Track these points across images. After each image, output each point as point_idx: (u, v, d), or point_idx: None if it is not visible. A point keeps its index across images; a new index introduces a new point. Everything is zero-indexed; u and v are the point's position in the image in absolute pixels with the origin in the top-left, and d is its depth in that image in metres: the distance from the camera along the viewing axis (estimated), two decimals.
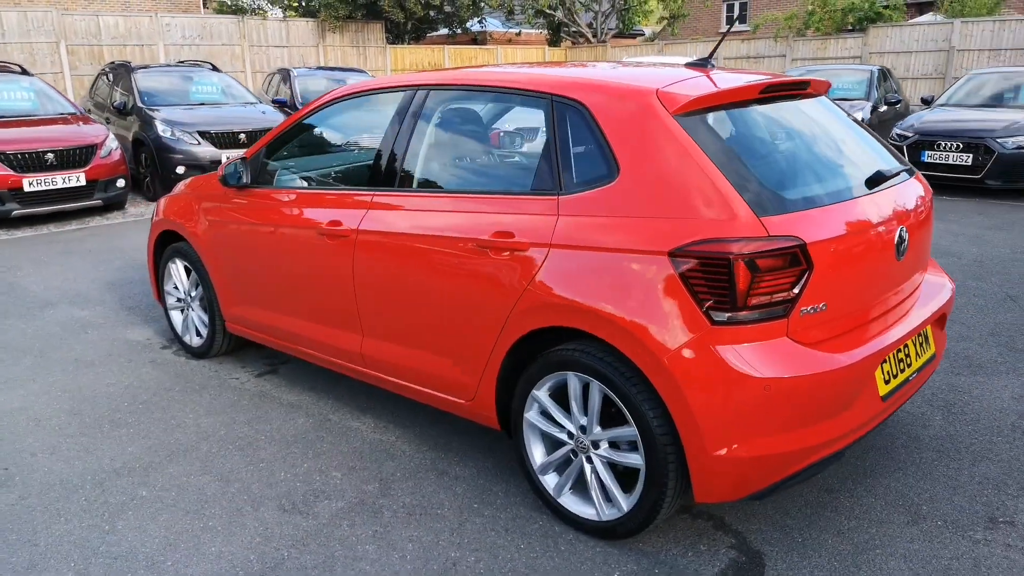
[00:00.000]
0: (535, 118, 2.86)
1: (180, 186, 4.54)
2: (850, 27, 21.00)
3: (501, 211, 2.76)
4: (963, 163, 9.07)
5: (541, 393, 2.71)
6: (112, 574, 2.54)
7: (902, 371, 2.68)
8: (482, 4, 23.79)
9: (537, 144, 2.87)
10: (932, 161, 9.28)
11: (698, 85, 2.61)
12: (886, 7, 20.60)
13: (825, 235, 2.37)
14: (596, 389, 2.53)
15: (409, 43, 23.75)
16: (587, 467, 2.65)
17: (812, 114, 2.91)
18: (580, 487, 2.73)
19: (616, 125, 2.55)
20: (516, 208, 2.72)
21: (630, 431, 2.47)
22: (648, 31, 32.68)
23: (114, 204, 8.92)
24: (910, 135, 9.61)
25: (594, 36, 26.74)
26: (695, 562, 2.54)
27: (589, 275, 2.47)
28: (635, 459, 2.49)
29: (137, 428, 3.59)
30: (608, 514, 2.61)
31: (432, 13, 23.09)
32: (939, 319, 2.95)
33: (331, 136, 4.02)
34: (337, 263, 3.31)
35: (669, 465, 2.41)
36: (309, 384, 4.07)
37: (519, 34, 28.57)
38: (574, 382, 2.60)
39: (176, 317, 4.59)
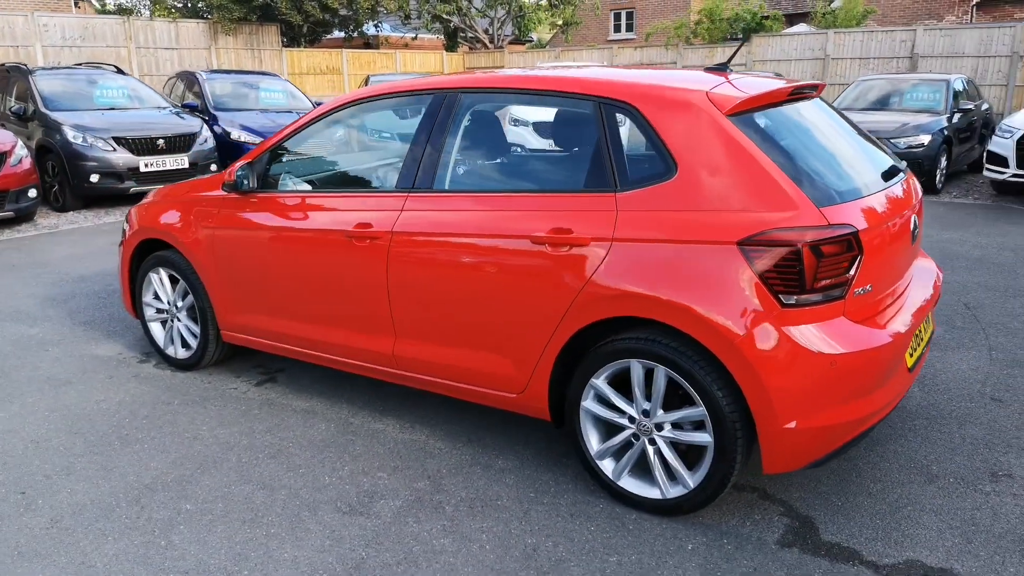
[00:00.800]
0: (580, 119, 2.98)
1: (154, 194, 4.38)
2: (735, 36, 22.23)
3: (555, 208, 2.86)
4: None
5: (599, 381, 2.84)
6: None
7: (918, 346, 2.98)
8: (380, 8, 23.57)
9: (583, 144, 2.99)
10: None
11: (741, 88, 2.81)
12: (766, 18, 21.93)
13: (868, 223, 2.61)
14: (661, 374, 2.68)
15: (304, 46, 23.22)
16: (650, 449, 2.80)
17: (822, 114, 3.18)
18: (639, 469, 2.87)
19: (670, 126, 2.72)
20: (571, 205, 2.84)
21: (698, 411, 2.63)
22: (535, 38, 33.28)
23: (24, 216, 8.34)
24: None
25: (491, 42, 27.03)
26: (756, 531, 2.74)
27: (656, 266, 2.62)
28: (702, 437, 2.65)
29: (151, 443, 3.45)
30: (673, 492, 2.77)
31: (328, 16, 22.69)
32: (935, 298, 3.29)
33: (346, 139, 3.99)
34: (367, 265, 3.31)
35: (738, 441, 2.59)
36: (316, 390, 4.02)
37: (415, 38, 28.49)
38: (638, 369, 2.74)
39: (156, 329, 4.41)
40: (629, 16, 33.41)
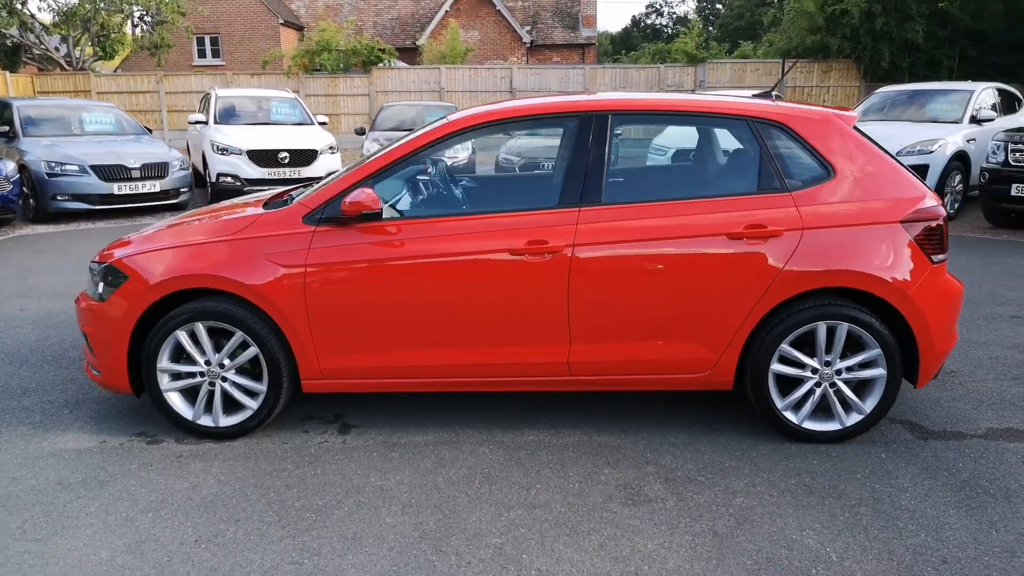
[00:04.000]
0: (736, 136, 3.60)
1: (167, 235, 3.67)
2: (353, 66, 23.18)
3: (740, 209, 3.45)
4: None
5: (786, 345, 3.51)
6: None
7: None
8: None
9: (741, 155, 3.59)
10: None
11: (847, 111, 3.73)
12: (382, 51, 23.34)
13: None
14: (844, 329, 3.47)
15: None
16: (830, 391, 3.56)
17: None
18: (817, 411, 3.60)
19: (820, 139, 3.53)
20: (755, 205, 3.45)
21: (874, 353, 3.48)
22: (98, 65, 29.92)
23: None
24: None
25: (70, 64, 23.67)
26: (892, 433, 3.69)
27: (840, 245, 3.40)
28: (877, 372, 3.51)
29: (337, 521, 3.07)
30: (850, 421, 3.57)
31: None
32: None
33: (477, 161, 3.84)
34: (545, 279, 3.43)
35: (900, 369, 3.51)
36: (397, 422, 3.84)
37: None
38: (822, 329, 3.48)
39: (177, 400, 3.67)
40: (214, 42, 32.08)
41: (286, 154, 11.35)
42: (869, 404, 3.55)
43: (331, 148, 11.88)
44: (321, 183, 4.10)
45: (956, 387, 4.26)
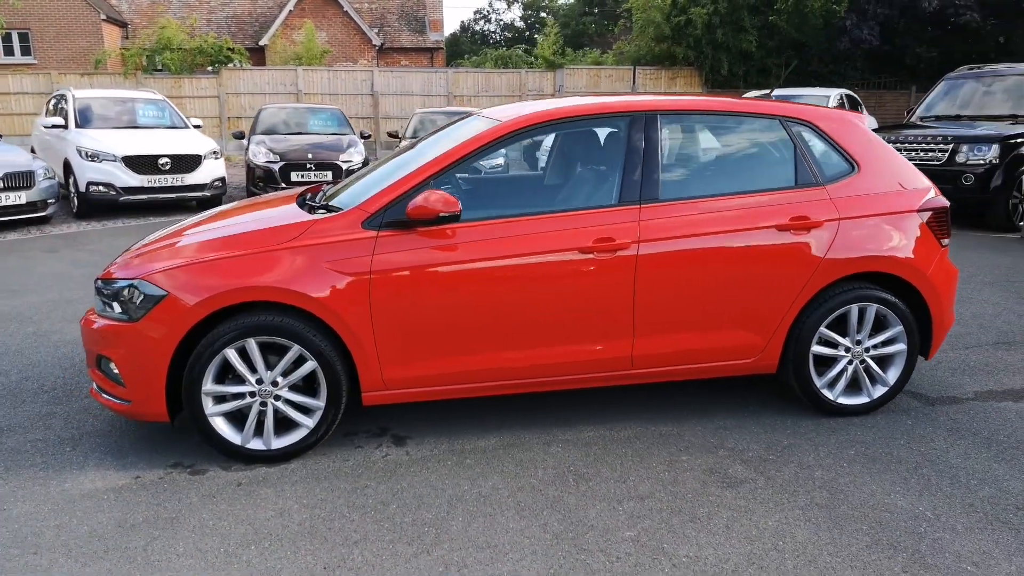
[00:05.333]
0: (770, 134, 3.83)
1: (200, 247, 3.39)
2: (199, 68, 21.83)
3: (783, 201, 3.69)
4: None
5: (824, 328, 3.80)
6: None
7: None
8: None
9: (772, 153, 3.82)
10: None
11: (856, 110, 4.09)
12: (231, 50, 22.14)
13: None
14: (872, 310, 3.80)
15: None
16: (860, 368, 3.89)
17: None
18: (849, 387, 3.91)
19: (843, 136, 3.85)
20: (795, 198, 3.71)
21: (896, 330, 3.85)
22: None
23: None
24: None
25: None
26: (905, 399, 4.09)
27: (873, 233, 3.73)
28: (898, 347, 3.87)
29: (460, 532, 2.98)
30: (877, 393, 3.92)
31: None
32: None
33: (533, 160, 3.76)
34: (612, 275, 3.51)
35: (917, 344, 3.90)
36: (444, 428, 3.78)
37: None
38: (854, 311, 3.80)
39: (222, 424, 3.39)
40: (24, 38, 28.98)
41: (167, 160, 10.54)
42: (892, 377, 3.91)
43: (215, 153, 11.18)
44: (352, 184, 3.94)
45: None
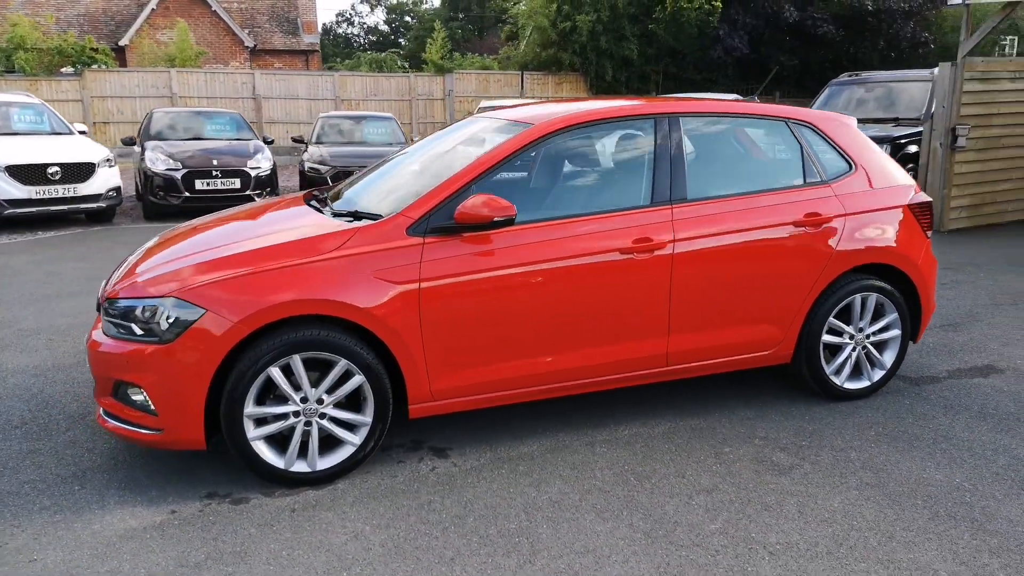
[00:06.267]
0: (778, 136, 4.01)
1: (229, 260, 3.17)
2: (57, 69, 20.21)
3: (796, 199, 3.87)
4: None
5: (832, 317, 4.02)
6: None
7: None
8: None
9: (782, 153, 3.99)
10: None
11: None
12: (95, 51, 20.61)
13: None
14: (872, 299, 4.06)
15: None
16: (862, 355, 4.14)
17: None
18: (852, 373, 4.15)
19: (840, 136, 4.09)
20: (806, 196, 3.90)
21: (892, 317, 4.13)
22: None
23: None
24: (325, 166, 11.37)
25: None
26: (902, 393, 4.39)
27: (871, 227, 3.99)
28: (894, 333, 4.16)
29: (551, 539, 2.94)
30: (876, 377, 4.18)
31: None
32: None
33: (565, 163, 3.69)
34: (651, 275, 3.56)
35: (909, 328, 4.20)
36: (503, 437, 3.72)
37: None
38: (857, 301, 4.05)
39: (264, 448, 3.17)
40: None
41: (57, 169, 9.68)
42: (888, 360, 4.19)
43: (108, 161, 10.37)
44: (360, 188, 3.79)
45: None
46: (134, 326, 3.08)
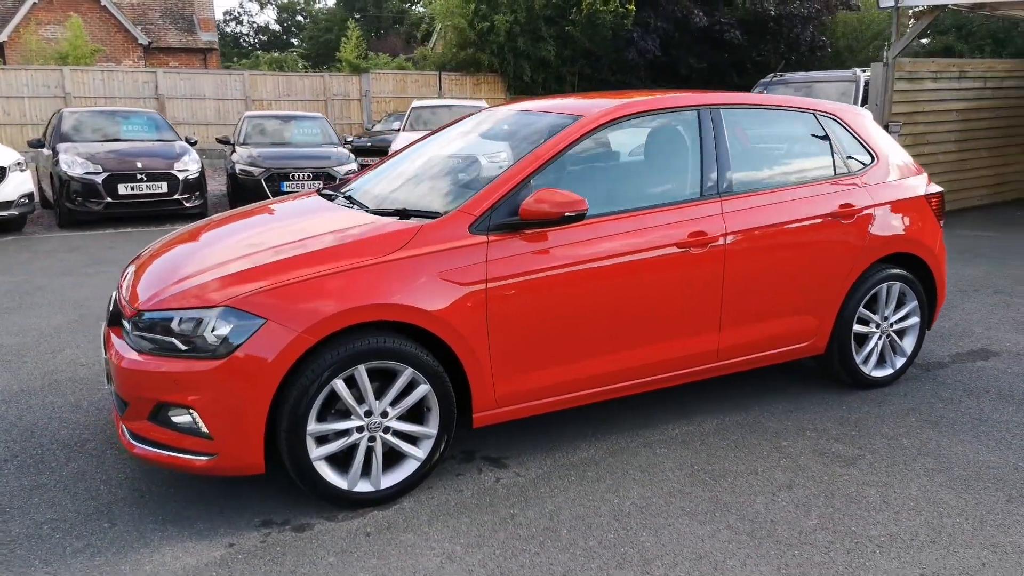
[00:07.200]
0: (807, 127, 4.02)
1: (277, 266, 2.88)
2: None
3: (831, 191, 3.90)
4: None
5: (861, 307, 4.07)
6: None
7: None
8: None
9: (810, 146, 3.99)
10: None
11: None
12: None
13: None
14: (896, 289, 4.13)
15: None
16: (886, 343, 4.21)
17: None
18: (877, 361, 4.21)
19: (862, 129, 4.15)
20: (840, 187, 3.93)
21: (912, 305, 4.22)
22: None
23: None
24: (258, 168, 10.84)
25: None
26: (922, 379, 4.50)
27: (896, 218, 4.06)
28: (913, 320, 4.24)
29: (670, 541, 2.81)
30: (898, 364, 4.25)
31: None
32: None
33: (617, 155, 3.52)
34: (706, 269, 3.49)
35: (927, 316, 4.30)
36: (555, 443, 3.57)
37: None
38: (883, 290, 4.11)
39: (326, 469, 2.90)
40: None
41: None
42: (908, 347, 4.27)
43: (19, 165, 9.50)
44: (381, 184, 3.55)
45: None
46: (175, 340, 2.75)
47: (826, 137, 4.02)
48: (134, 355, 2.83)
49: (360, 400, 2.90)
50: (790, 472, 3.25)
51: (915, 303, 4.19)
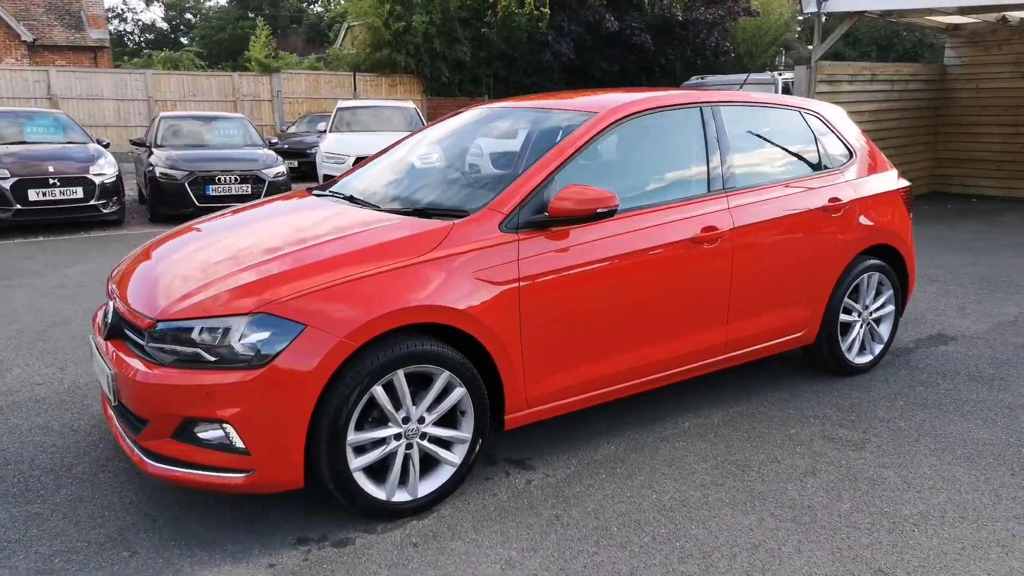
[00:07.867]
0: (791, 124, 4.14)
1: (309, 268, 2.75)
2: None
3: (821, 185, 4.03)
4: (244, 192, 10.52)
5: (846, 298, 4.23)
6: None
7: None
8: None
9: (796, 142, 4.10)
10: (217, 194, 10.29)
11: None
12: None
13: None
14: (875, 278, 4.32)
15: None
16: (867, 331, 4.39)
17: None
18: (859, 348, 4.38)
19: (840, 125, 4.32)
20: (828, 181, 4.08)
21: (889, 293, 4.42)
22: None
23: None
24: (180, 171, 10.33)
25: None
26: (896, 364, 4.71)
27: (875, 211, 4.24)
28: (889, 308, 4.45)
29: (775, 535, 2.82)
30: (876, 350, 4.45)
31: None
32: None
33: (631, 151, 3.47)
34: (716, 263, 3.55)
35: (902, 303, 4.51)
36: (575, 442, 3.54)
37: None
38: (864, 280, 4.29)
39: (364, 480, 2.78)
40: None
41: None
42: (884, 334, 4.47)
43: None
44: (375, 180, 3.45)
45: None
46: (200, 351, 2.56)
47: (812, 133, 4.15)
48: (153, 369, 2.62)
49: (397, 407, 2.78)
50: (808, 459, 3.33)
51: (891, 292, 4.39)
